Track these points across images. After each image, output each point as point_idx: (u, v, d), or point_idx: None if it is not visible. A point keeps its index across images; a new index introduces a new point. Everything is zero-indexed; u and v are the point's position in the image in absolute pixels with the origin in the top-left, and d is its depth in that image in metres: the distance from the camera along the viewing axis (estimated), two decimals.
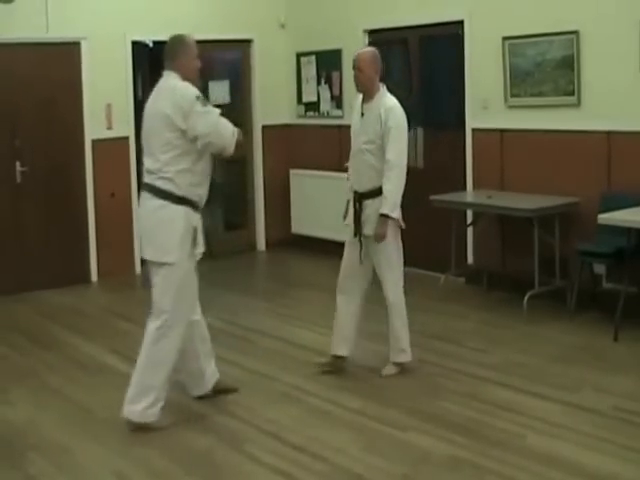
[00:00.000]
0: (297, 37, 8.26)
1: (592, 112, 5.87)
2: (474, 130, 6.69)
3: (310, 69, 8.16)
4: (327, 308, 5.09)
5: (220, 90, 8.21)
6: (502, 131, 6.46)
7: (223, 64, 8.49)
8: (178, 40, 4.23)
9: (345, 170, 4.91)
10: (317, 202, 7.92)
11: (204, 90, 8.11)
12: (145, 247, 4.16)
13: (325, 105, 8.04)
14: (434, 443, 3.84)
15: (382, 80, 4.68)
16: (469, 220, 6.70)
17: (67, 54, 7.13)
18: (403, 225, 4.64)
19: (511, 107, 6.39)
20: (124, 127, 7.30)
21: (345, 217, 4.76)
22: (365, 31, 7.54)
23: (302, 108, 8.30)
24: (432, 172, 7.11)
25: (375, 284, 4.74)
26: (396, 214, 4.54)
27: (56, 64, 7.09)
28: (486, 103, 6.56)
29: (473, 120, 6.69)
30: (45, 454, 3.88)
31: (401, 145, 4.52)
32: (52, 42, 7.00)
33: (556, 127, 6.08)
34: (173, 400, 4.27)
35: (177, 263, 4.05)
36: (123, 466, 3.74)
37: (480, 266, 6.68)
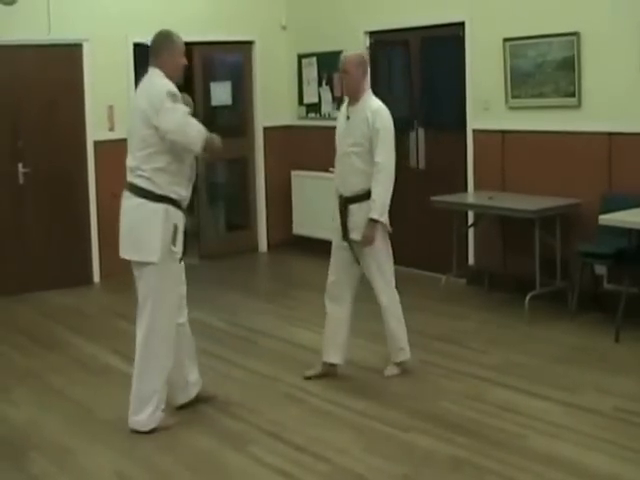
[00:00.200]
0: (298, 39, 8.28)
1: (593, 113, 5.88)
2: (475, 131, 6.70)
3: (311, 71, 8.17)
4: None
5: (222, 92, 8.24)
6: (503, 132, 6.47)
7: (225, 66, 8.53)
8: (163, 36, 4.12)
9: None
10: (318, 203, 7.92)
11: (206, 91, 8.15)
12: (126, 247, 4.06)
13: (326, 106, 8.05)
14: (435, 443, 3.85)
15: (370, 83, 4.66)
16: (470, 221, 6.71)
17: (69, 56, 7.15)
18: (390, 229, 4.61)
19: (512, 108, 6.40)
20: (126, 128, 7.30)
21: (334, 220, 4.72)
22: (366, 33, 7.55)
23: (303, 109, 8.32)
24: (433, 173, 7.12)
25: (367, 283, 4.72)
26: (384, 218, 4.52)
27: (58, 66, 7.11)
28: (487, 104, 6.57)
29: (474, 121, 6.70)
30: (47, 454, 3.90)
31: (389, 147, 4.50)
32: (54, 44, 7.03)
33: (557, 128, 6.09)
34: None
35: (160, 263, 3.97)
36: (126, 466, 3.75)
37: (481, 267, 6.70)
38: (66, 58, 7.15)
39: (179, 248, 4.05)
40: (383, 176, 4.46)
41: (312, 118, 8.24)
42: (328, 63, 7.92)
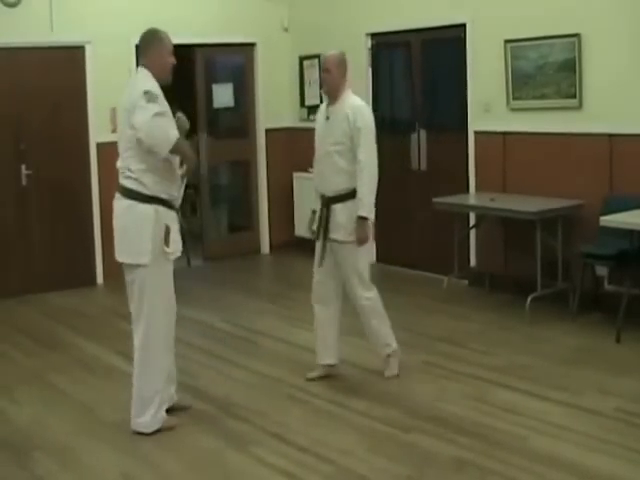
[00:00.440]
0: (300, 40, 8.29)
1: (594, 115, 5.90)
2: (476, 133, 6.72)
3: (313, 72, 8.19)
4: None
5: (224, 93, 8.26)
6: (504, 134, 6.49)
7: (227, 68, 8.55)
8: (151, 35, 4.07)
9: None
10: None
11: (208, 93, 8.17)
12: (118, 249, 4.05)
13: None
14: (438, 444, 3.86)
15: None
16: (472, 222, 6.73)
17: (71, 58, 7.18)
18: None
19: (513, 110, 6.42)
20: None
21: (310, 227, 4.72)
22: (368, 34, 7.58)
23: (305, 111, 8.33)
24: (435, 174, 7.14)
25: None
26: (372, 215, 4.49)
27: (61, 67, 7.14)
28: (488, 106, 6.59)
29: (475, 123, 6.72)
30: (51, 454, 3.91)
31: (371, 145, 4.47)
32: (57, 46, 7.06)
33: (558, 130, 6.10)
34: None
35: (151, 265, 3.93)
36: (129, 467, 3.77)
37: (483, 268, 6.71)
38: (69, 60, 7.18)
39: (173, 248, 4.01)
40: (366, 174, 4.43)
41: (314, 120, 8.21)
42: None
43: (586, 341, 5.29)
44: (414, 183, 7.34)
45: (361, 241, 4.49)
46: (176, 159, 4.04)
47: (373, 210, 4.49)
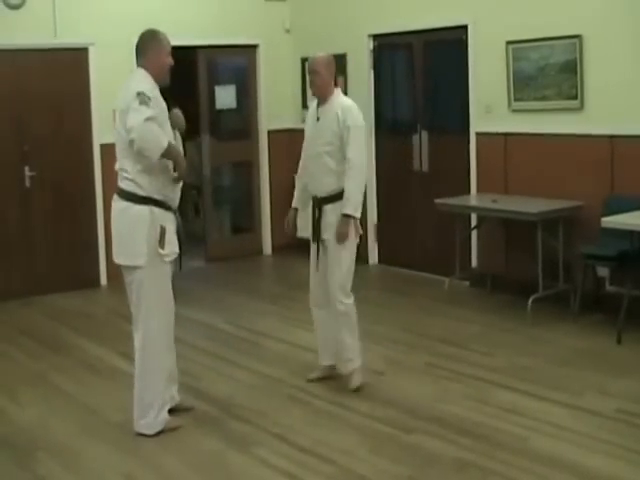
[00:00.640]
0: (302, 42, 8.31)
1: (595, 116, 5.91)
2: (478, 134, 6.73)
3: None
4: None
5: (226, 95, 8.28)
6: (506, 135, 6.50)
7: (229, 69, 8.56)
8: (149, 35, 4.08)
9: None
10: None
11: (210, 95, 8.19)
12: (115, 251, 4.05)
13: None
14: (439, 445, 3.88)
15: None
16: (473, 223, 6.74)
17: (75, 59, 7.20)
18: (360, 231, 4.55)
19: (515, 111, 6.43)
20: None
21: (289, 225, 4.72)
22: (370, 36, 7.59)
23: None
24: (436, 176, 7.16)
25: (358, 280, 4.69)
26: (358, 214, 4.46)
27: (64, 69, 7.16)
28: (490, 107, 6.60)
29: (477, 124, 6.74)
30: (54, 455, 3.93)
31: (360, 144, 4.45)
32: (60, 48, 7.08)
33: (559, 131, 6.12)
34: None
35: (147, 266, 3.94)
36: (132, 468, 3.79)
37: (484, 269, 6.73)
38: (72, 62, 7.20)
39: (169, 250, 4.01)
40: (354, 172, 4.40)
41: None
42: None
43: (587, 342, 5.30)
44: (416, 184, 7.36)
45: (340, 237, 4.44)
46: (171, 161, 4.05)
47: (359, 209, 4.46)
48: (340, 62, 7.80)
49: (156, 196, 3.95)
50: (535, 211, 5.75)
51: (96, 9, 7.27)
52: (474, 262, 6.85)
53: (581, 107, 5.98)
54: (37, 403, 4.63)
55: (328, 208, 4.50)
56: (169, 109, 4.09)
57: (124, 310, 6.48)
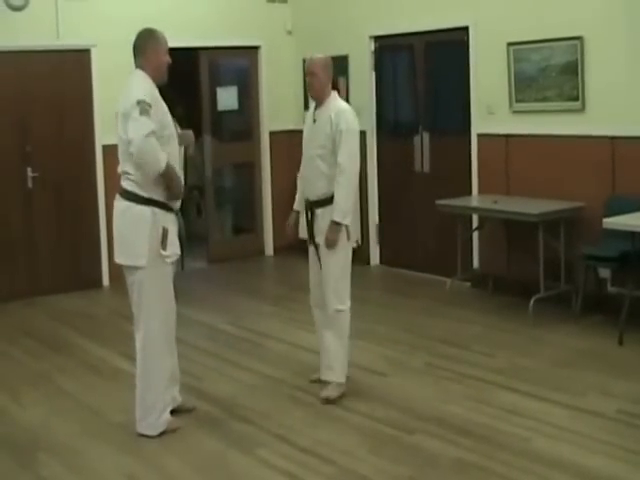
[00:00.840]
0: (304, 43, 8.32)
1: (596, 117, 5.92)
2: (479, 135, 6.74)
3: None
4: None
5: (228, 96, 8.29)
6: (507, 136, 6.51)
7: (231, 71, 8.58)
8: (147, 34, 4.07)
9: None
10: None
11: (212, 96, 8.20)
12: (117, 251, 4.06)
13: None
14: (440, 446, 3.89)
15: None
16: (475, 224, 6.75)
17: (78, 61, 7.22)
18: (356, 236, 4.51)
19: (516, 112, 6.44)
20: None
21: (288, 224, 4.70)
22: (371, 37, 7.60)
23: None
24: (438, 177, 7.17)
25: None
26: (347, 221, 4.39)
27: (67, 71, 7.19)
28: (491, 108, 6.61)
29: (478, 125, 6.74)
30: (57, 456, 3.95)
31: (353, 148, 4.37)
32: (63, 49, 7.11)
33: (560, 132, 6.12)
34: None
35: (148, 267, 3.94)
36: (135, 468, 3.80)
37: (486, 270, 6.73)
38: (75, 63, 7.22)
39: (170, 251, 4.01)
40: (345, 178, 4.33)
41: None
42: (333, 67, 7.92)
43: (588, 343, 5.31)
44: (417, 185, 7.37)
45: (329, 244, 4.40)
46: (177, 161, 4.05)
47: (349, 216, 4.39)
48: (342, 63, 7.86)
49: (158, 197, 3.96)
50: (536, 212, 5.76)
51: (98, 11, 7.29)
52: (475, 263, 6.86)
53: (582, 108, 5.99)
54: (39, 403, 4.64)
55: (319, 212, 4.47)
56: (172, 112, 4.09)
57: (126, 311, 6.50)
